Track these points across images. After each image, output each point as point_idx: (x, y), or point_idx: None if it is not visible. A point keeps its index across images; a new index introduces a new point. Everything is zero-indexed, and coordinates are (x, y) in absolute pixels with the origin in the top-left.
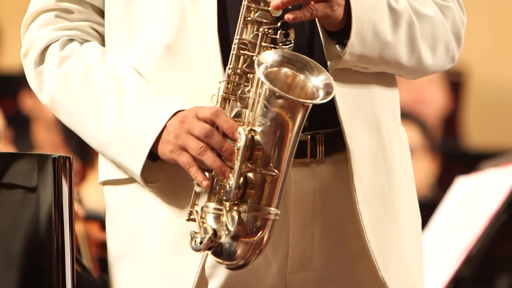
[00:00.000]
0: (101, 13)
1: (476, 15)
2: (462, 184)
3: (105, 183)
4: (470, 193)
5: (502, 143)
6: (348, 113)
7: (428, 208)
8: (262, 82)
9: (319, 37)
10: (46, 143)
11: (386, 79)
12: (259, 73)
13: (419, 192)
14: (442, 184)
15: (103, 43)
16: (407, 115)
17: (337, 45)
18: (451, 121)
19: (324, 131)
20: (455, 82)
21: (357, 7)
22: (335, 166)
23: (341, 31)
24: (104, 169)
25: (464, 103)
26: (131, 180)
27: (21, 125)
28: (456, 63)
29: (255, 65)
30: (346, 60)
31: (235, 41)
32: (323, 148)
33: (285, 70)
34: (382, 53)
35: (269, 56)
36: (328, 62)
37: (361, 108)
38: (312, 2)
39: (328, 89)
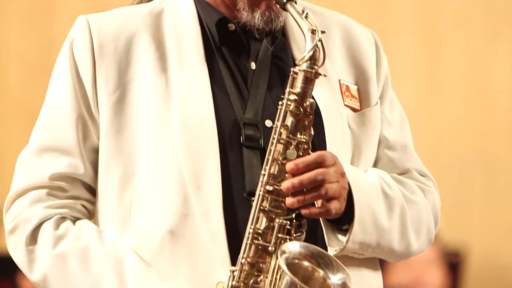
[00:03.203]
0: (91, 190)
1: (473, 190)
2: None
3: None
4: None
5: None
6: None
7: None
8: (282, 272)
9: (320, 224)
10: None
11: (373, 263)
12: (282, 263)
13: None
14: None
15: (90, 220)
16: None
17: (337, 233)
18: None
19: None
20: (454, 263)
21: (357, 195)
22: None
23: (339, 217)
24: None
25: (462, 284)
26: None
27: None
28: (454, 244)
29: (278, 255)
30: (348, 247)
31: (249, 230)
32: None
33: (305, 263)
34: (379, 239)
35: (292, 248)
36: (329, 249)
37: None
38: (324, 201)
39: (345, 286)
